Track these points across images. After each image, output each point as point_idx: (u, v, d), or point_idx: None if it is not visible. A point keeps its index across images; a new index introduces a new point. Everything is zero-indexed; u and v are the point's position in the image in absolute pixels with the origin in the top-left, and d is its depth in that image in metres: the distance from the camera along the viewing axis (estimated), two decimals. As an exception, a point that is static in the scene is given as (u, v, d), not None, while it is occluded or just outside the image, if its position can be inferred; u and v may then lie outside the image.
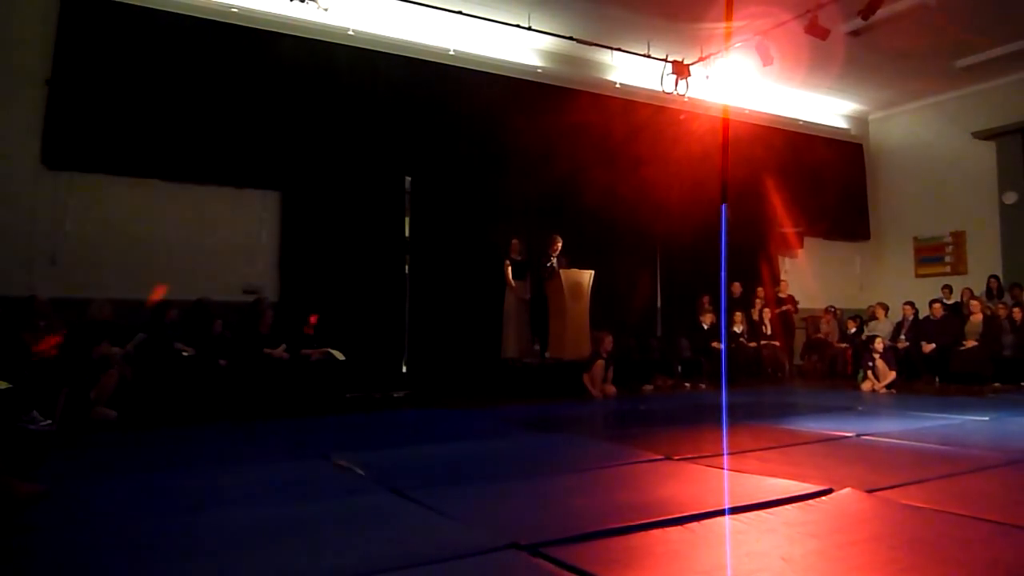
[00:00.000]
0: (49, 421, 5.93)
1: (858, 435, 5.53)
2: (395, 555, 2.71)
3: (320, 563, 2.64)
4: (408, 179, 9.94)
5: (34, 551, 2.80)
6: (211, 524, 3.17)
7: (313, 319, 8.52)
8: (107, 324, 7.19)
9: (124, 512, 3.37)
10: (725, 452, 4.74)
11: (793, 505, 3.39)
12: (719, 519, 3.15)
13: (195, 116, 8.47)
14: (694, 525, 3.07)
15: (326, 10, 8.51)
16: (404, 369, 9.60)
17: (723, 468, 4.25)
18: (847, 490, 3.61)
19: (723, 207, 11.67)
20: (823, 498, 3.51)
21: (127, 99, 8.11)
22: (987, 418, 6.52)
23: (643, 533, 2.96)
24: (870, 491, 3.60)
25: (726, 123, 11.85)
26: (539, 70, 10.84)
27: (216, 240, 8.63)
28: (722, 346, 10.67)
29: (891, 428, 5.94)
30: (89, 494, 3.68)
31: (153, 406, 6.82)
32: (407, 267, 9.82)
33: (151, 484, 3.97)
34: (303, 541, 2.91)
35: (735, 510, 3.25)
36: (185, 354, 7.48)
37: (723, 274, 11.41)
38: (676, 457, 4.62)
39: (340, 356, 8.39)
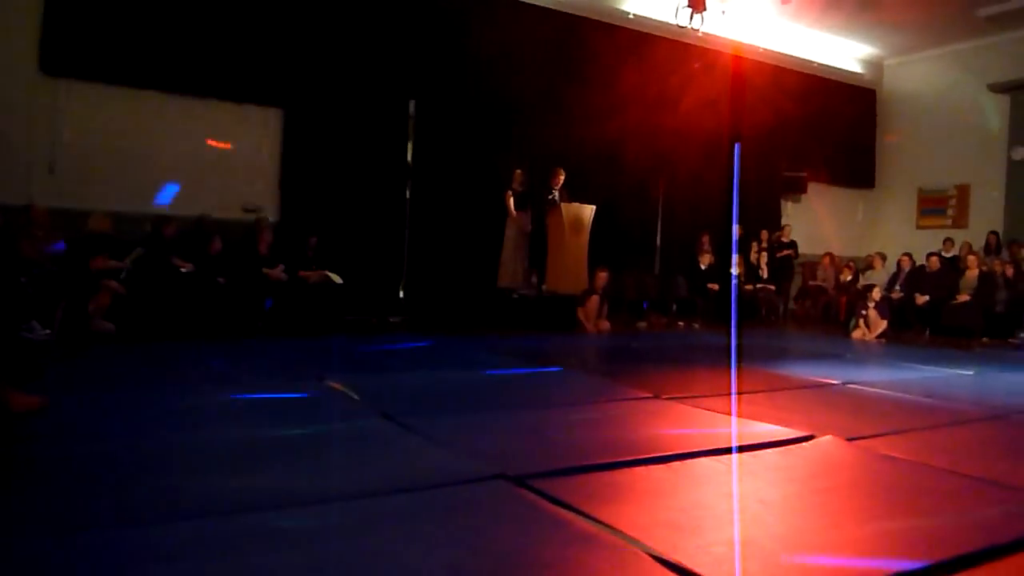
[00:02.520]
0: (48, 331, 6.00)
1: (844, 383, 5.62)
2: (385, 479, 2.80)
3: (308, 484, 2.73)
4: (412, 103, 9.79)
5: (33, 460, 2.88)
6: (204, 442, 3.25)
7: (311, 241, 8.53)
8: (105, 237, 7.18)
9: (120, 426, 3.45)
10: (712, 394, 4.82)
11: (775, 449, 3.49)
12: (701, 460, 3.24)
13: (197, 26, 8.26)
14: (677, 464, 3.16)
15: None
16: (401, 294, 9.66)
17: (710, 409, 4.34)
18: (828, 437, 3.69)
19: (736, 146, 11.61)
20: (804, 444, 3.60)
21: (127, 5, 7.90)
22: (972, 372, 6.62)
23: (626, 470, 3.05)
24: (851, 439, 3.69)
25: (741, 62, 11.63)
26: (551, -5, 10.56)
27: (217, 157, 8.55)
28: (732, 285, 10.66)
29: (877, 377, 6.04)
30: (87, 407, 3.76)
31: (150, 321, 6.87)
32: (408, 192, 9.77)
33: (147, 399, 4.05)
34: (293, 462, 3.00)
35: (717, 452, 3.34)
36: (183, 270, 7.50)
37: (735, 212, 11.28)
38: (664, 396, 4.71)
39: (338, 279, 8.43)
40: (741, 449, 3.40)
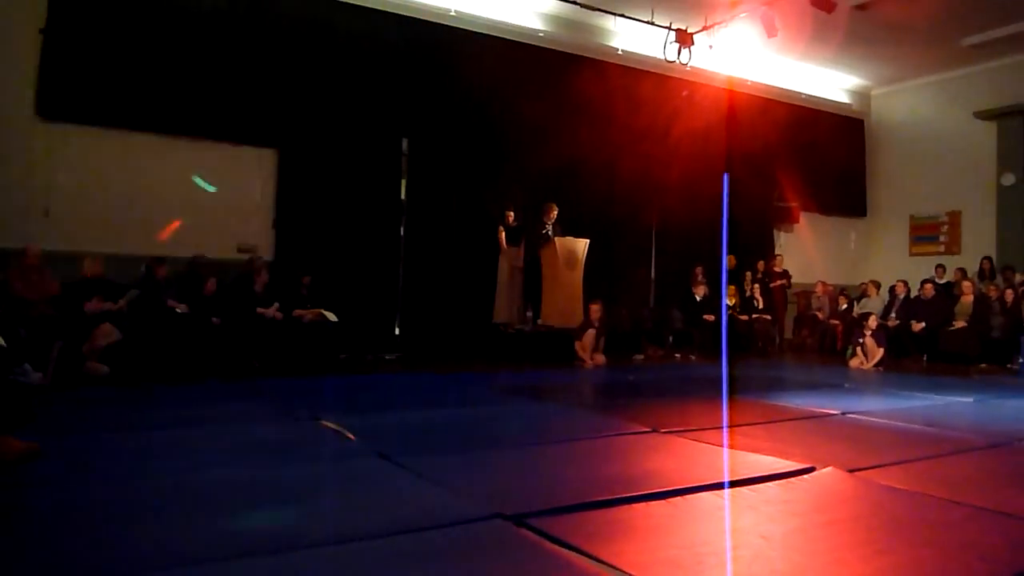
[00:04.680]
0: (40, 374, 5.95)
1: (843, 413, 5.59)
2: (380, 521, 2.75)
3: (303, 526, 2.68)
4: (405, 141, 9.87)
5: (27, 508, 2.83)
6: (200, 484, 3.21)
7: (305, 280, 8.53)
8: (100, 280, 7.17)
9: (114, 470, 3.40)
10: (710, 427, 4.79)
11: (775, 483, 3.44)
12: (702, 495, 3.20)
13: (192, 70, 8.36)
14: (677, 500, 3.12)
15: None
16: (396, 331, 9.64)
17: (708, 443, 4.30)
18: (829, 469, 3.66)
19: (725, 176, 11.72)
20: (805, 476, 3.56)
21: (123, 50, 8.00)
22: (971, 399, 6.59)
23: (626, 507, 3.01)
24: (852, 471, 3.65)
25: (731, 94, 11.78)
26: (541, 34, 10.71)
27: (212, 197, 8.58)
28: (722, 318, 10.68)
29: (876, 407, 6.00)
30: (80, 451, 3.72)
31: (145, 362, 6.83)
32: (402, 229, 9.80)
33: (141, 442, 4.01)
34: (290, 504, 2.96)
35: (718, 486, 3.30)
36: (178, 311, 7.47)
37: (724, 244, 11.34)
38: (663, 430, 4.67)
39: (333, 317, 8.41)
40: (741, 483, 3.36)
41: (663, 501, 3.09)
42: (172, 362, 6.97)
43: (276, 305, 8.12)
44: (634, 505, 3.03)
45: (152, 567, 2.28)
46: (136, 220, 8.07)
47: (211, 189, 8.48)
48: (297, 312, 8.25)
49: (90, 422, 4.63)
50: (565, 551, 2.48)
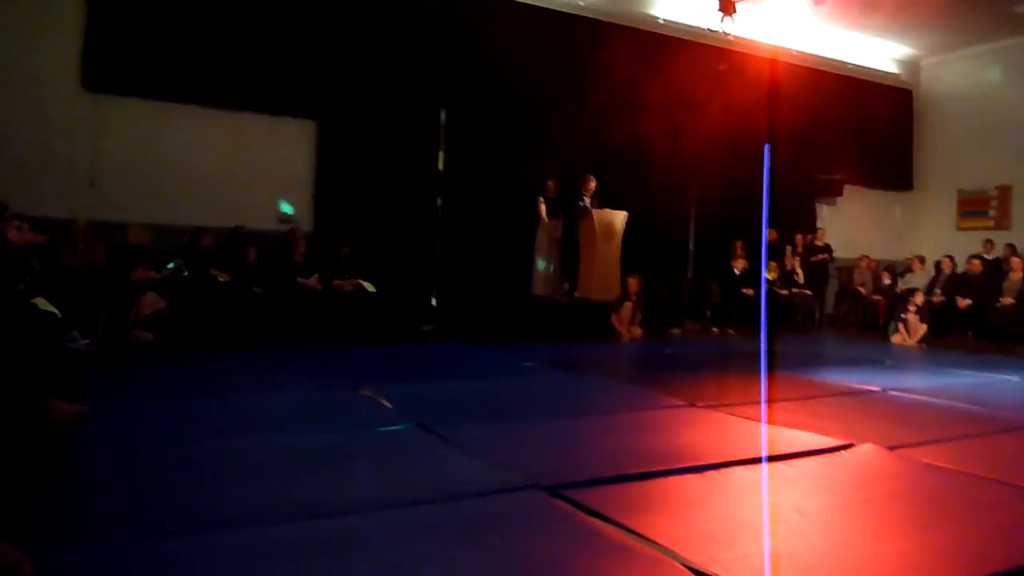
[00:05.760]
0: (88, 341, 6.11)
1: (884, 389, 5.51)
2: (417, 490, 2.80)
3: (342, 494, 2.74)
4: (444, 112, 9.84)
5: (75, 469, 2.93)
6: (240, 451, 3.29)
7: (344, 251, 8.61)
8: (145, 249, 7.32)
9: (159, 435, 3.50)
10: (748, 401, 4.76)
11: (813, 458, 3.43)
12: (738, 469, 3.19)
13: (234, 41, 8.41)
14: (713, 474, 3.12)
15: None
16: (434, 302, 9.69)
17: (746, 418, 4.28)
18: (868, 445, 3.62)
19: (765, 147, 11.50)
20: (844, 452, 3.53)
21: (167, 22, 8.06)
22: (1018, 378, 6.44)
23: (662, 479, 3.02)
24: (892, 448, 3.61)
25: (775, 64, 11.52)
26: (581, 2, 10.55)
27: (252, 168, 8.67)
28: (761, 291, 10.51)
29: (918, 384, 5.90)
30: (127, 416, 3.83)
31: (189, 330, 6.98)
32: (440, 201, 9.81)
33: (185, 408, 4.11)
34: (328, 471, 3.02)
35: (754, 461, 3.29)
36: (221, 280, 7.60)
37: (765, 217, 11.11)
38: (700, 404, 4.65)
39: (371, 288, 8.48)
40: (778, 458, 3.35)
41: (699, 475, 3.09)
42: (215, 330, 7.11)
43: (316, 276, 8.22)
44: (670, 478, 3.04)
45: (197, 529, 2.36)
46: (180, 190, 8.20)
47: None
48: (336, 282, 8.34)
49: (136, 389, 4.76)
50: (600, 522, 2.50)
